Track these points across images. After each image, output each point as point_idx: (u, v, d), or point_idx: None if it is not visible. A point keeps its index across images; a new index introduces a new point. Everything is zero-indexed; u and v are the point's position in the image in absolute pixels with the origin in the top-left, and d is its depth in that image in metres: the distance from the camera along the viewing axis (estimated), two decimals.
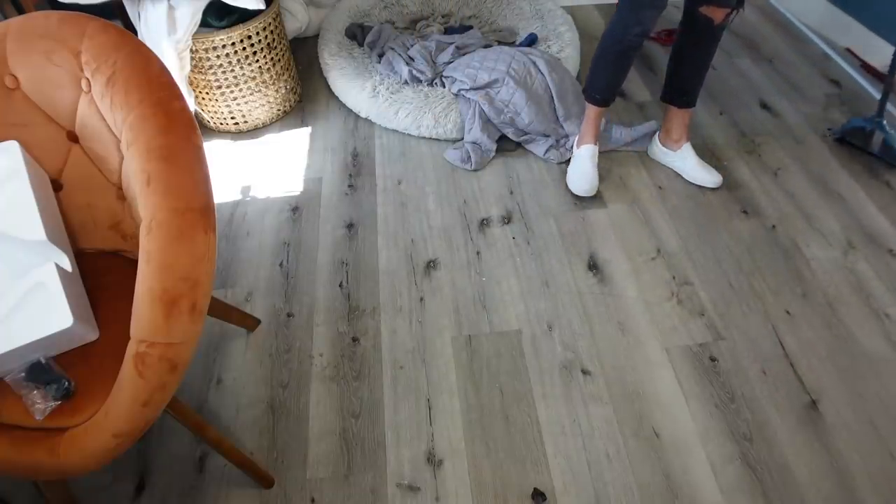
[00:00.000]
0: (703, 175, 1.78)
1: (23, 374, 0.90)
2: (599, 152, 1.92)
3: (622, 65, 1.66)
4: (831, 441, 1.26)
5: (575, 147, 1.85)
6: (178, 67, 1.77)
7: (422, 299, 1.55)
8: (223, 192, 1.87)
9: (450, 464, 1.25)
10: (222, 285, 1.61)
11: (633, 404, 1.33)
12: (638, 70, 2.30)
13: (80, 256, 1.10)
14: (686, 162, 1.80)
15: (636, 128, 1.95)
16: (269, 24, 1.90)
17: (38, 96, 1.01)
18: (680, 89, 1.73)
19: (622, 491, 1.20)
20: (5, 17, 1.90)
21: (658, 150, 1.86)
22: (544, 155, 1.91)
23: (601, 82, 1.70)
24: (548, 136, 1.94)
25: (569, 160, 1.92)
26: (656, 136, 1.86)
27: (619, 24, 1.56)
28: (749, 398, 1.34)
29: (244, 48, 1.86)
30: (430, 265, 1.63)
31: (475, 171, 1.90)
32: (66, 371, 0.93)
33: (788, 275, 1.58)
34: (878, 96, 2.12)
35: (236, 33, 1.81)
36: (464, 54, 2.13)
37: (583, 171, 1.78)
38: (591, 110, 1.77)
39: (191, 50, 1.79)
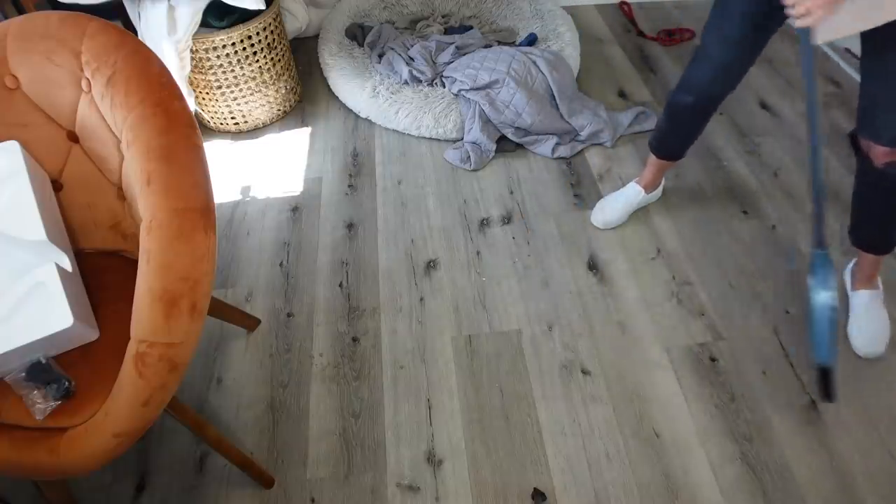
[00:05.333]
0: (859, 333, 1.39)
1: (23, 374, 0.90)
2: (609, 147, 1.93)
3: (675, 127, 1.50)
4: (831, 441, 1.26)
5: (633, 181, 1.70)
6: (178, 67, 1.77)
7: (422, 299, 1.55)
8: (223, 192, 1.87)
9: (450, 464, 1.25)
10: (222, 285, 1.61)
11: (633, 404, 1.33)
12: (638, 70, 2.30)
13: (80, 256, 1.10)
14: (852, 309, 1.43)
15: (630, 109, 2.06)
16: (270, 24, 1.90)
17: (39, 96, 1.01)
18: (857, 231, 1.38)
19: (622, 491, 1.20)
20: (5, 17, 1.90)
21: (845, 274, 1.51)
22: (553, 154, 1.91)
23: (658, 132, 1.57)
24: (552, 134, 1.94)
25: (580, 152, 1.92)
26: (849, 267, 1.51)
27: (678, 84, 1.39)
28: (749, 398, 1.34)
29: (244, 48, 1.86)
30: (430, 265, 1.63)
31: (475, 171, 1.90)
32: (66, 371, 0.93)
33: (788, 274, 1.58)
34: None
35: (236, 33, 1.81)
36: (464, 54, 2.13)
37: (613, 207, 1.69)
38: (650, 155, 1.63)
39: (191, 50, 1.79)
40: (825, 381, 1.24)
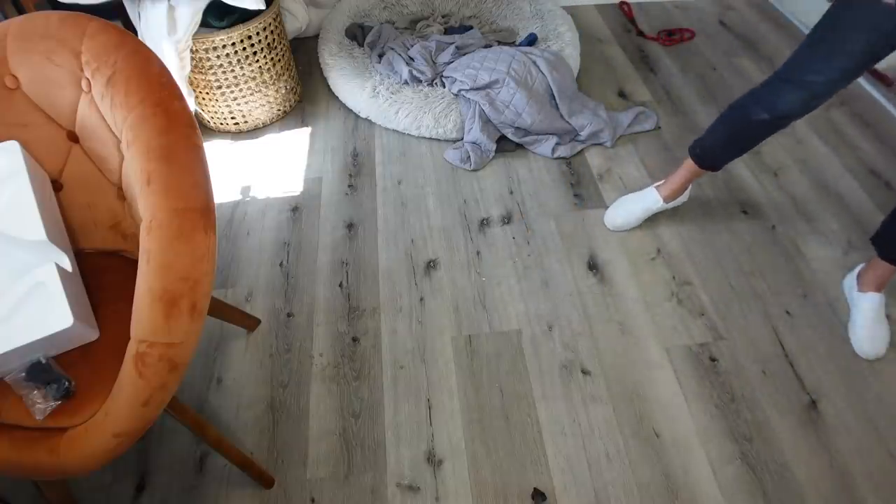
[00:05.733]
0: (864, 335, 1.41)
1: (23, 374, 0.90)
2: (609, 147, 1.93)
3: (736, 139, 1.41)
4: (831, 441, 1.26)
5: (653, 186, 1.66)
6: (178, 67, 1.77)
7: (422, 299, 1.55)
8: (223, 192, 1.87)
9: (450, 464, 1.25)
10: (222, 285, 1.61)
11: (633, 404, 1.33)
12: (638, 70, 2.30)
13: (80, 256, 1.10)
14: (858, 310, 1.44)
15: (630, 109, 2.05)
16: (270, 24, 1.90)
17: (39, 96, 1.01)
18: (886, 240, 1.37)
19: (622, 491, 1.20)
20: (5, 17, 1.90)
21: (848, 280, 1.51)
22: (553, 154, 1.91)
23: (708, 140, 1.47)
24: (552, 134, 1.94)
25: (580, 152, 1.92)
26: (858, 269, 1.50)
27: (751, 96, 1.31)
28: (749, 398, 1.34)
29: (244, 48, 1.86)
30: (430, 265, 1.63)
31: (475, 171, 1.90)
32: (66, 371, 0.93)
33: (788, 275, 1.58)
34: (878, 96, 2.12)
35: (236, 33, 1.81)
36: (464, 54, 2.13)
37: (629, 211, 1.66)
38: (687, 162, 1.55)
39: (191, 50, 1.79)
40: None
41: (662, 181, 1.65)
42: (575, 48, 2.18)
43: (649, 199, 1.64)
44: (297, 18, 2.37)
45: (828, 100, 1.22)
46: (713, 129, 1.45)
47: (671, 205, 1.65)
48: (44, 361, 0.92)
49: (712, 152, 1.47)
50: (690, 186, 1.64)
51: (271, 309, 1.55)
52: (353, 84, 2.07)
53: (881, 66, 2.14)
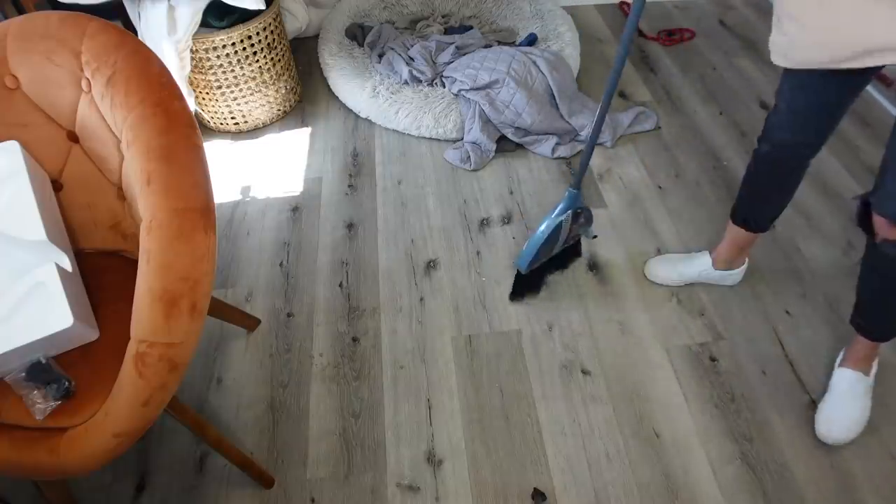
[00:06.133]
0: (824, 413, 1.26)
1: (23, 374, 0.90)
2: (609, 147, 1.92)
3: (753, 181, 1.31)
4: None
5: (713, 253, 1.50)
6: (178, 67, 1.77)
7: (422, 299, 1.55)
8: (223, 192, 1.87)
9: (450, 464, 1.25)
10: (222, 285, 1.61)
11: (633, 404, 1.33)
12: (638, 70, 2.30)
13: (80, 256, 1.10)
14: (832, 383, 1.30)
15: (630, 109, 2.05)
16: (270, 24, 1.90)
17: (39, 96, 1.01)
18: (858, 313, 1.25)
19: (622, 491, 1.20)
20: (5, 17, 1.90)
21: (841, 354, 1.35)
22: (553, 154, 1.91)
23: (738, 194, 1.37)
24: (552, 134, 1.94)
25: (579, 153, 1.92)
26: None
27: (760, 133, 1.23)
28: (749, 398, 1.34)
29: (244, 48, 1.86)
30: (430, 265, 1.63)
31: (475, 171, 1.90)
32: (66, 371, 0.93)
33: (788, 275, 1.58)
34: (878, 96, 2.12)
35: (236, 33, 1.81)
36: (464, 54, 2.13)
37: (670, 276, 1.54)
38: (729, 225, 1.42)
39: (191, 50, 1.79)
40: (515, 285, 1.51)
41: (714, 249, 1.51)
42: (575, 48, 2.19)
43: (699, 262, 1.51)
44: (297, 18, 2.37)
45: (813, 136, 1.14)
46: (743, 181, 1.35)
47: (721, 274, 1.50)
48: (44, 361, 0.92)
49: (739, 200, 1.37)
50: (747, 261, 1.50)
51: (271, 309, 1.55)
52: (353, 84, 2.07)
53: None
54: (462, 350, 1.44)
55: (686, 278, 1.54)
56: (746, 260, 1.50)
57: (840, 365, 1.31)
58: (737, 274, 1.50)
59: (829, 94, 1.07)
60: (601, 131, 1.94)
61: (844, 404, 1.25)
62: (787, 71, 1.08)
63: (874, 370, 1.29)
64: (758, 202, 1.34)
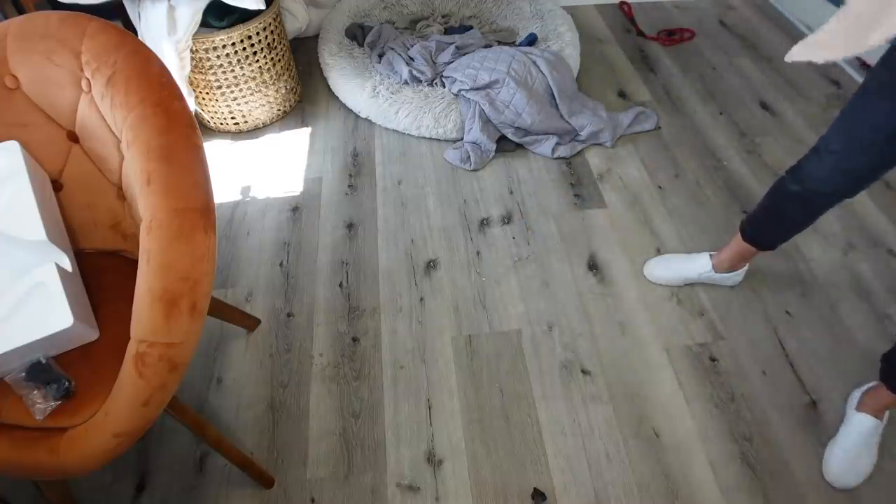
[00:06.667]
0: (838, 456, 1.22)
1: (23, 374, 0.90)
2: (609, 147, 1.92)
3: (774, 211, 1.27)
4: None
5: (715, 258, 1.49)
6: (178, 67, 1.77)
7: (422, 299, 1.55)
8: (223, 192, 1.87)
9: (450, 464, 1.25)
10: (222, 285, 1.61)
11: (633, 404, 1.33)
12: (638, 70, 2.30)
13: (80, 256, 1.10)
14: (845, 427, 1.25)
15: (630, 109, 2.05)
16: (270, 24, 1.90)
17: (39, 96, 1.01)
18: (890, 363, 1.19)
19: (622, 491, 1.20)
20: (5, 17, 1.90)
21: (855, 393, 1.31)
22: (553, 154, 1.91)
23: (753, 212, 1.34)
24: (552, 134, 1.94)
25: (580, 152, 1.91)
26: (867, 385, 1.31)
27: (792, 167, 1.19)
28: (749, 398, 1.34)
29: (244, 48, 1.86)
30: (430, 265, 1.63)
31: (475, 171, 1.90)
32: (66, 371, 0.93)
33: (788, 275, 1.58)
34: None
35: (236, 33, 1.81)
36: (464, 54, 2.13)
37: (669, 277, 1.54)
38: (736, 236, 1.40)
39: (191, 50, 1.79)
40: None
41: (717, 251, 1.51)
42: (575, 48, 2.18)
43: (701, 260, 1.51)
44: (297, 18, 2.37)
45: (859, 180, 1.08)
46: (762, 200, 1.31)
47: (722, 276, 1.50)
48: (44, 361, 0.92)
49: (753, 219, 1.34)
50: (746, 266, 1.50)
51: (271, 309, 1.55)
52: (353, 84, 2.07)
53: None
54: (462, 350, 1.44)
55: (685, 279, 1.54)
56: (747, 263, 1.50)
57: (860, 409, 1.25)
58: (737, 275, 1.50)
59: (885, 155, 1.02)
60: (601, 131, 1.95)
61: (860, 452, 1.21)
62: (847, 122, 1.03)
63: (886, 415, 1.26)
64: (776, 230, 1.31)
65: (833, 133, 1.07)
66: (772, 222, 1.30)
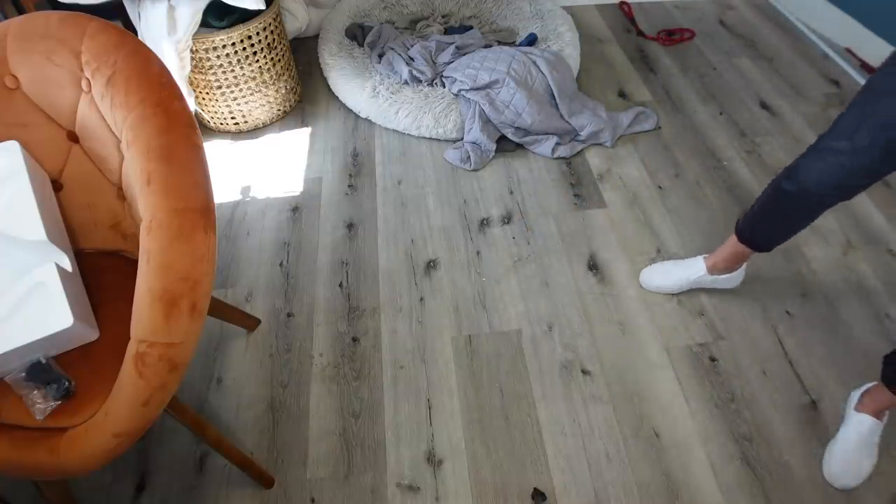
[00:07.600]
0: (839, 457, 1.22)
1: (23, 374, 0.90)
2: (609, 147, 1.92)
3: (769, 211, 1.25)
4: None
5: (703, 261, 1.48)
6: (178, 67, 1.77)
7: (422, 299, 1.55)
8: (223, 192, 1.87)
9: (450, 464, 1.25)
10: (222, 285, 1.61)
11: (633, 404, 1.33)
12: (638, 70, 2.30)
13: (80, 256, 1.10)
14: (845, 428, 1.25)
15: (630, 109, 2.04)
16: (270, 24, 1.90)
17: (39, 96, 1.01)
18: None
19: (622, 491, 1.20)
20: (5, 17, 1.90)
21: (855, 393, 1.30)
22: (553, 154, 1.91)
23: (749, 211, 1.31)
24: (552, 134, 1.94)
25: (580, 152, 1.91)
26: (867, 385, 1.30)
27: (789, 165, 1.17)
28: (749, 398, 1.34)
29: (244, 48, 1.86)
30: (430, 265, 1.63)
31: (475, 171, 1.90)
32: (66, 371, 0.93)
33: (788, 275, 1.58)
34: None
35: (236, 33, 1.81)
36: (464, 54, 2.13)
37: (665, 284, 1.53)
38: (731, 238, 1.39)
39: (191, 50, 1.79)
40: None
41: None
42: (575, 48, 2.19)
43: (696, 264, 1.49)
44: (297, 18, 2.37)
45: (862, 181, 1.06)
46: (757, 201, 1.30)
47: (715, 279, 1.48)
48: (44, 361, 0.92)
49: (749, 220, 1.32)
50: (744, 267, 1.48)
51: (271, 309, 1.55)
52: (353, 84, 2.07)
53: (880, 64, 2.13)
54: (462, 350, 1.44)
55: (682, 285, 1.52)
56: (745, 264, 1.48)
57: (860, 410, 1.25)
58: (736, 276, 1.49)
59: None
60: (601, 131, 1.95)
61: (859, 452, 1.21)
62: (856, 120, 1.02)
63: (886, 415, 1.26)
64: (772, 230, 1.29)
65: (838, 131, 1.05)
66: (767, 223, 1.28)
